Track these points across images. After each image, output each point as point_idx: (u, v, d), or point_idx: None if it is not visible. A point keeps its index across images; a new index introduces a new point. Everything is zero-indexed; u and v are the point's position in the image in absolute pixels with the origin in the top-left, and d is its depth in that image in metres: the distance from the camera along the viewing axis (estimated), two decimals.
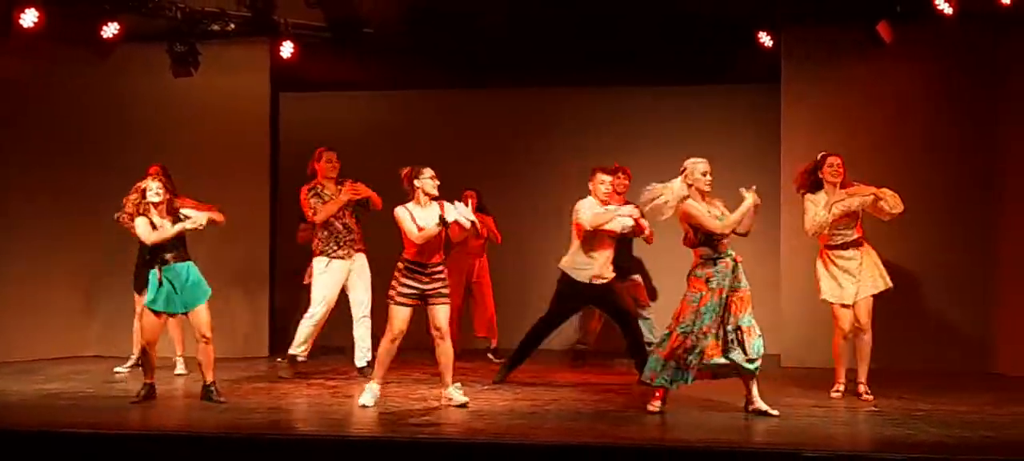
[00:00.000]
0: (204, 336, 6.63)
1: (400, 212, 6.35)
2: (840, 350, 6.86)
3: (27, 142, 8.86)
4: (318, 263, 7.56)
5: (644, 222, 7.21)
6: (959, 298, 8.22)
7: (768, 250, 8.52)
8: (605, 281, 7.22)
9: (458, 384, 6.54)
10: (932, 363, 8.00)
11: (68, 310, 9.04)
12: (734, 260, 6.12)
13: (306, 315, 7.59)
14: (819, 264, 6.89)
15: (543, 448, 5.48)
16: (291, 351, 7.63)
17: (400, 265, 6.39)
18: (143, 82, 8.99)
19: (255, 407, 6.53)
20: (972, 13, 7.75)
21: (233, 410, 6.42)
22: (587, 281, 7.18)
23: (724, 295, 6.06)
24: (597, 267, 7.18)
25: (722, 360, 6.11)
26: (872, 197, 6.70)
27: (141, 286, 7.38)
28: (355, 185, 7.56)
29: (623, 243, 7.49)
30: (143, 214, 6.57)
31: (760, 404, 6.17)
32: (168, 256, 6.59)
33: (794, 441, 5.54)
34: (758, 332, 6.12)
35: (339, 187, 7.55)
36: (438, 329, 6.39)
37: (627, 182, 7.76)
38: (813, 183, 6.82)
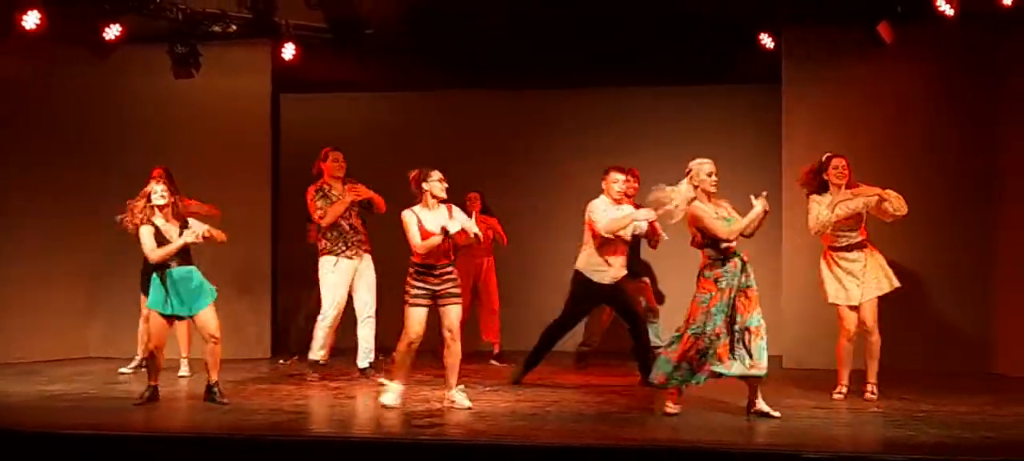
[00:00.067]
0: (212, 336, 6.64)
1: (407, 216, 6.35)
2: (844, 352, 6.86)
3: (28, 142, 8.86)
4: (326, 263, 7.56)
5: (659, 226, 7.22)
6: (959, 298, 8.23)
7: (769, 250, 8.51)
8: (619, 279, 7.24)
9: (462, 386, 6.55)
10: (932, 363, 8.01)
11: (69, 311, 9.04)
12: (742, 259, 6.12)
13: (319, 318, 7.60)
14: (823, 266, 6.89)
15: (545, 450, 5.48)
16: (311, 357, 7.63)
17: (410, 268, 6.40)
18: (144, 83, 9.00)
19: (257, 408, 6.54)
20: (973, 13, 7.75)
21: (235, 411, 6.43)
22: (609, 283, 7.18)
23: (733, 295, 6.06)
24: (616, 270, 7.19)
25: (728, 371, 6.10)
26: (876, 198, 6.70)
27: (148, 287, 7.40)
28: (355, 186, 7.57)
29: (632, 245, 7.48)
30: (149, 220, 6.56)
31: (762, 406, 6.18)
32: (171, 261, 6.59)
33: (795, 442, 5.54)
34: (764, 334, 6.12)
35: (345, 187, 7.57)
36: (450, 330, 6.39)
37: (636, 185, 7.75)
38: (818, 184, 6.83)
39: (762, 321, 6.10)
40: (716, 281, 6.07)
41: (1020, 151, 8.04)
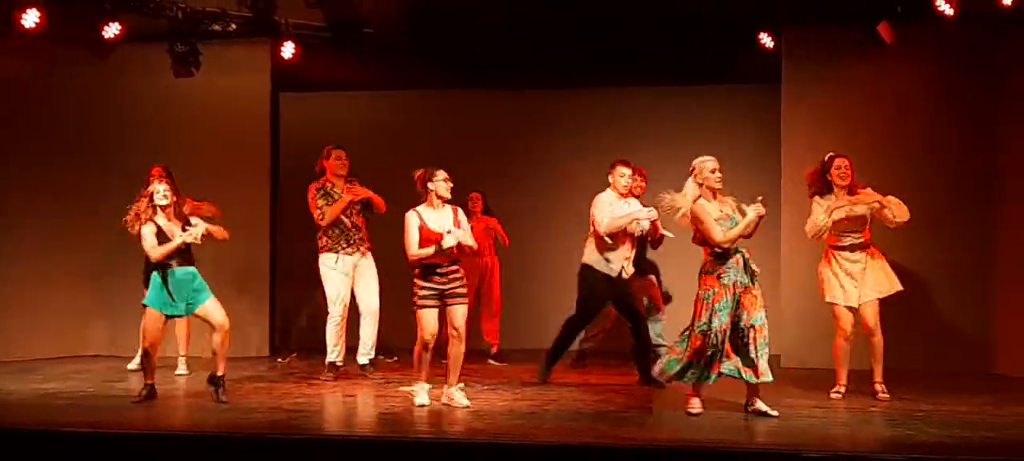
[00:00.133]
0: (221, 325, 6.64)
1: (409, 218, 6.34)
2: (841, 351, 6.85)
3: (27, 142, 8.87)
4: (326, 260, 7.56)
5: (660, 226, 7.23)
6: (959, 298, 8.22)
7: (768, 250, 8.49)
8: (628, 276, 7.24)
9: (462, 385, 6.54)
10: (933, 363, 8.00)
11: (68, 310, 9.04)
12: (743, 256, 6.12)
13: (328, 318, 7.59)
14: (823, 263, 6.89)
15: (543, 448, 5.48)
16: (329, 359, 7.62)
17: (416, 270, 6.38)
18: (144, 82, 9.00)
19: (256, 407, 6.53)
20: (972, 13, 7.74)
21: (234, 410, 6.42)
22: (616, 274, 7.17)
23: (737, 291, 6.06)
24: (621, 260, 7.18)
25: (735, 371, 6.09)
26: (877, 205, 6.70)
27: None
28: (353, 187, 7.57)
29: (639, 243, 7.47)
30: (151, 219, 6.57)
31: (761, 405, 6.17)
32: (172, 261, 6.60)
33: (794, 442, 5.53)
34: (766, 333, 6.11)
35: (348, 185, 7.57)
36: (456, 330, 6.39)
37: (644, 184, 7.73)
38: (823, 185, 6.81)
39: (765, 320, 6.10)
40: (719, 277, 6.07)
41: (1020, 151, 8.03)
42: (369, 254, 7.66)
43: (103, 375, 7.91)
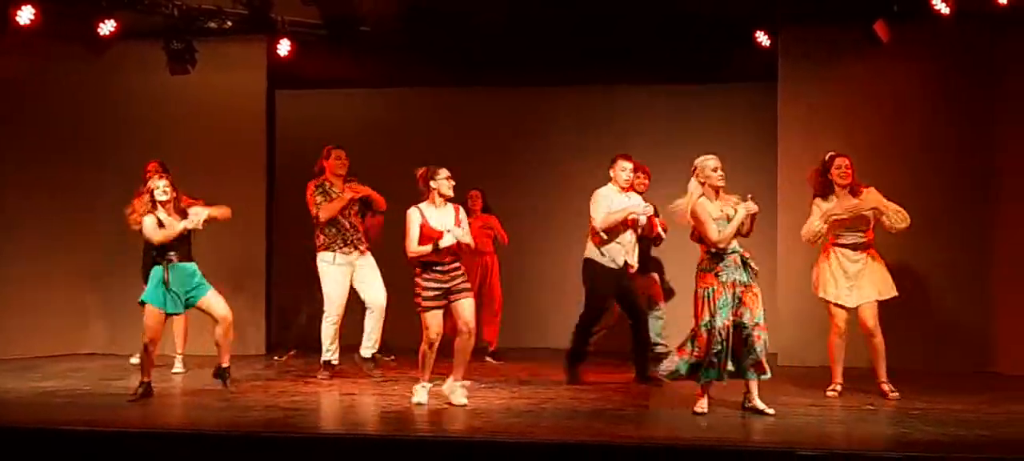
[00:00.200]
0: (224, 317, 6.63)
1: (411, 215, 6.34)
2: (836, 349, 6.87)
3: (23, 139, 8.85)
4: (323, 259, 7.57)
5: (658, 222, 7.23)
6: (957, 297, 8.23)
7: (764, 249, 8.50)
8: (633, 268, 7.23)
9: (466, 383, 6.53)
10: (931, 362, 8.01)
11: (65, 308, 9.02)
12: (741, 255, 6.12)
13: (324, 317, 7.59)
14: (822, 259, 6.88)
15: (540, 446, 5.48)
16: (324, 358, 7.61)
17: (418, 268, 6.37)
18: (139, 79, 8.98)
19: (253, 405, 6.53)
20: (969, 13, 7.76)
21: (231, 408, 6.42)
22: (618, 267, 7.17)
23: (737, 289, 6.06)
24: (622, 252, 7.18)
25: (742, 372, 6.11)
26: (874, 211, 6.70)
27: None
28: (353, 185, 7.57)
29: (642, 240, 7.46)
30: (151, 212, 6.58)
31: (757, 402, 6.18)
32: (173, 255, 6.60)
33: (790, 440, 5.55)
34: (766, 331, 6.12)
35: (347, 185, 7.57)
36: (467, 324, 6.36)
37: (647, 182, 7.74)
38: (824, 185, 6.82)
39: (763, 319, 6.11)
40: (717, 275, 6.08)
41: (1017, 150, 8.05)
42: (368, 253, 7.66)
43: (101, 373, 7.90)
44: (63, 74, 8.95)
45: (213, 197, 7.70)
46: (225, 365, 6.71)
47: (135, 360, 8.05)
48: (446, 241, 6.26)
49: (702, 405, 6.19)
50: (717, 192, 6.18)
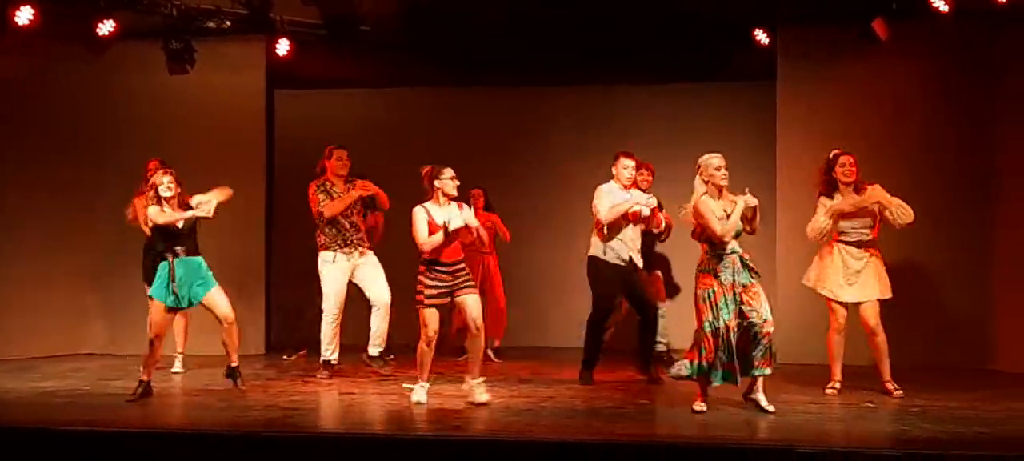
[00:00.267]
0: (226, 318, 6.64)
1: (417, 213, 6.36)
2: (835, 346, 6.87)
3: (23, 140, 8.86)
4: (324, 258, 7.57)
5: (661, 215, 7.23)
6: (956, 295, 8.24)
7: (764, 248, 8.51)
8: (638, 265, 7.23)
9: (483, 379, 6.54)
10: (929, 359, 8.01)
11: (65, 308, 9.03)
12: (740, 256, 6.12)
13: (323, 316, 7.59)
14: (826, 252, 6.87)
15: (539, 445, 5.48)
16: (323, 358, 7.61)
17: (422, 266, 6.39)
18: (139, 79, 8.99)
19: (252, 404, 6.53)
20: (968, 11, 7.76)
21: (230, 407, 6.42)
22: (623, 263, 7.17)
23: (737, 290, 6.06)
24: (627, 248, 7.18)
25: (756, 368, 6.11)
26: (877, 206, 6.70)
27: (150, 279, 7.42)
28: (364, 182, 7.56)
29: (646, 237, 7.47)
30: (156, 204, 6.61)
31: (760, 396, 6.16)
32: (180, 248, 6.61)
33: (788, 437, 5.55)
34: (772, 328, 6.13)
35: (348, 186, 7.57)
36: (475, 322, 6.37)
37: (650, 179, 7.74)
38: (829, 183, 6.82)
39: (771, 314, 6.10)
40: (715, 275, 6.08)
41: (1016, 150, 8.05)
42: (369, 252, 7.66)
43: (101, 373, 7.90)
44: (62, 74, 8.96)
45: None
46: (234, 365, 6.73)
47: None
48: (455, 223, 6.29)
49: (701, 404, 6.19)
50: (720, 191, 6.18)
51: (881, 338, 6.76)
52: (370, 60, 9.03)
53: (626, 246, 7.22)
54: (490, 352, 8.60)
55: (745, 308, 6.04)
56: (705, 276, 6.12)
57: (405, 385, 6.89)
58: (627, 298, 7.47)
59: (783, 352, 8.37)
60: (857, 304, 6.79)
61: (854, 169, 6.78)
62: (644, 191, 7.49)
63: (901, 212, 6.70)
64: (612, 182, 7.29)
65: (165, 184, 6.62)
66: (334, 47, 8.76)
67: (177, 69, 8.44)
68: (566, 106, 9.79)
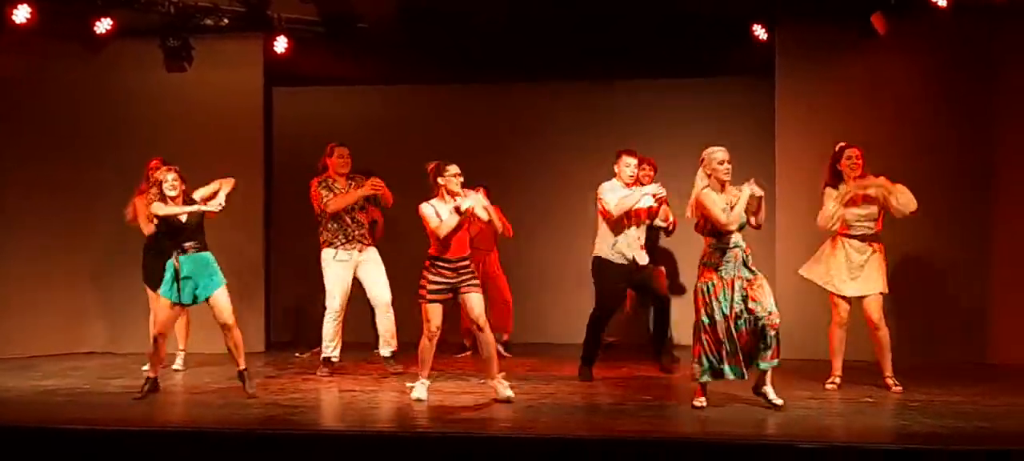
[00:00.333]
0: (225, 323, 6.64)
1: (425, 208, 6.38)
2: (836, 340, 6.88)
3: (21, 138, 8.84)
4: (326, 255, 7.57)
5: (669, 211, 7.25)
6: (955, 291, 8.24)
7: (763, 245, 8.51)
8: (644, 263, 7.23)
9: (503, 375, 6.54)
10: (929, 355, 8.02)
11: (64, 307, 9.02)
12: (743, 251, 6.12)
13: (326, 313, 7.59)
14: (829, 245, 6.87)
15: (540, 442, 5.48)
16: (324, 354, 7.61)
17: (427, 262, 6.40)
18: (136, 77, 8.97)
19: (252, 402, 6.53)
20: (966, 6, 7.76)
21: (230, 405, 6.42)
22: (628, 263, 7.17)
23: (739, 284, 6.06)
24: (632, 247, 7.18)
25: (761, 361, 6.11)
26: (881, 191, 6.70)
27: (150, 279, 7.41)
28: (375, 181, 7.53)
29: (649, 231, 7.47)
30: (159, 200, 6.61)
31: (769, 390, 6.15)
32: (188, 244, 6.60)
33: (789, 432, 5.57)
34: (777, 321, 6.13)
35: (350, 183, 7.56)
36: (477, 320, 6.39)
37: (652, 173, 7.74)
38: (835, 175, 6.83)
39: (775, 306, 6.09)
40: (717, 269, 6.08)
41: (1015, 145, 8.06)
42: (370, 248, 7.65)
43: (100, 372, 7.89)
44: (60, 73, 8.94)
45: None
46: (242, 368, 6.71)
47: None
48: (466, 204, 6.30)
49: (701, 399, 6.19)
50: (723, 186, 6.17)
51: (884, 332, 6.76)
52: (368, 57, 9.02)
53: (630, 246, 7.22)
54: (499, 347, 8.60)
55: (750, 302, 6.03)
56: (707, 270, 6.12)
57: (408, 384, 6.89)
58: (638, 293, 7.45)
59: (782, 348, 8.37)
60: (860, 298, 6.79)
61: (860, 162, 6.79)
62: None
63: (905, 197, 6.70)
64: (614, 180, 7.28)
65: (169, 182, 6.60)
66: (332, 44, 8.75)
67: (175, 67, 8.43)
68: (565, 104, 9.78)
